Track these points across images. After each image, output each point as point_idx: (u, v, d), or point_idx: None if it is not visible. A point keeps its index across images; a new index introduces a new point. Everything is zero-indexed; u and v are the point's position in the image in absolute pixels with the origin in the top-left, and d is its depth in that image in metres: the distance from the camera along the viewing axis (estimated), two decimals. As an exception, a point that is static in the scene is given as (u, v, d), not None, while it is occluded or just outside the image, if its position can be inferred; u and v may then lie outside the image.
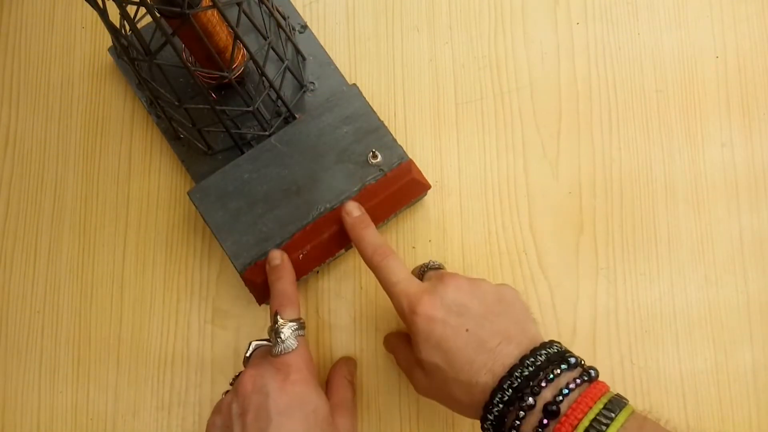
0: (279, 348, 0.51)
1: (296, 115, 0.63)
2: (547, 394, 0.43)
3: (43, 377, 0.64)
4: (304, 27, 0.66)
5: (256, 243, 0.58)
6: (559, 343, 0.47)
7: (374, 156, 0.59)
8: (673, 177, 0.64)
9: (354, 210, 0.57)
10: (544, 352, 0.45)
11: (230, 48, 0.56)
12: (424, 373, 0.49)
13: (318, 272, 0.63)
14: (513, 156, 0.65)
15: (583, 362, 0.45)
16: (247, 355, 0.53)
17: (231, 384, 0.54)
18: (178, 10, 0.46)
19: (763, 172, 0.64)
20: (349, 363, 0.60)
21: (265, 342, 0.54)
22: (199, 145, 0.63)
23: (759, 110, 0.65)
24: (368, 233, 0.55)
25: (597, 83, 0.66)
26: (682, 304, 0.62)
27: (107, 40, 0.70)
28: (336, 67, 0.66)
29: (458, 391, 0.46)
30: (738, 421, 0.60)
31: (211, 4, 0.48)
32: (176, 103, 0.56)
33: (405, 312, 0.49)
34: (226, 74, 0.54)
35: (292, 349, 0.51)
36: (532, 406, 0.42)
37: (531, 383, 0.43)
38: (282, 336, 0.51)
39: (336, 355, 0.62)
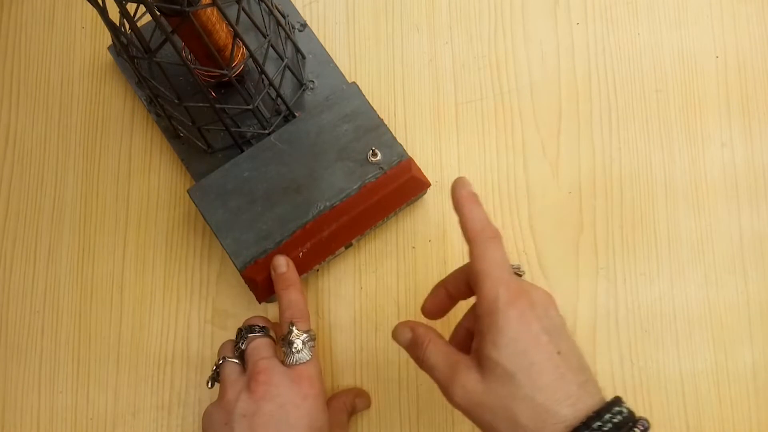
0: (293, 358, 0.51)
1: (296, 114, 0.63)
2: None
3: (43, 377, 0.64)
4: (304, 25, 0.66)
5: (256, 241, 0.58)
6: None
7: (374, 154, 0.59)
8: (673, 177, 0.64)
9: (466, 185, 0.49)
10: (625, 406, 0.42)
11: (230, 46, 0.56)
12: (483, 377, 0.43)
13: (318, 270, 0.63)
14: (513, 156, 0.65)
15: None
16: (242, 347, 0.53)
17: (215, 368, 0.53)
18: (178, 8, 0.46)
19: (763, 172, 0.64)
20: (361, 395, 0.60)
21: (259, 334, 0.53)
22: (199, 143, 0.63)
23: (759, 110, 0.65)
24: (479, 209, 0.48)
25: (597, 83, 0.66)
26: (682, 304, 0.62)
27: (107, 39, 0.70)
28: (336, 65, 0.66)
29: (526, 413, 0.41)
30: (738, 421, 0.59)
31: (210, 2, 0.48)
32: (176, 101, 0.56)
33: (498, 300, 0.43)
34: (225, 72, 0.54)
35: (306, 361, 0.51)
36: None
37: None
38: (296, 347, 0.51)
39: (336, 355, 0.62)
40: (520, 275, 0.50)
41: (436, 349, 0.47)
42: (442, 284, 0.52)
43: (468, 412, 0.43)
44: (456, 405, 0.44)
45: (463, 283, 0.51)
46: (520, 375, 0.41)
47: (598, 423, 0.39)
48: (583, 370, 0.43)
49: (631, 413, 0.41)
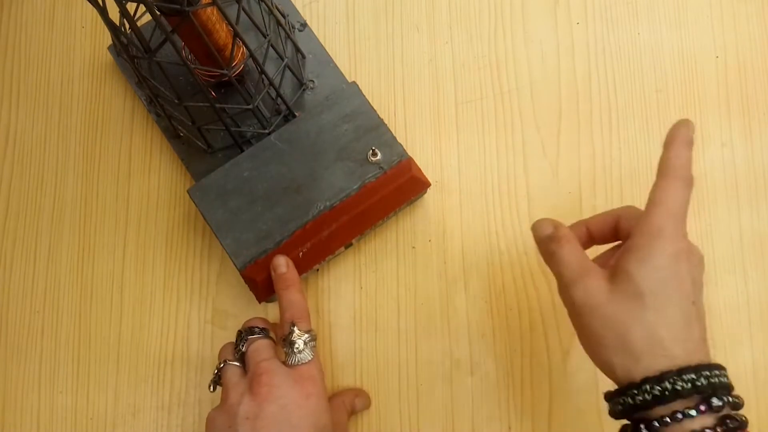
0: (294, 358, 0.51)
1: (296, 113, 0.63)
2: (723, 412, 0.41)
3: (43, 377, 0.64)
4: (304, 25, 0.66)
5: (256, 241, 0.58)
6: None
7: (374, 154, 0.59)
8: (673, 177, 0.64)
9: (689, 128, 0.47)
10: (725, 371, 0.42)
11: (230, 46, 0.56)
12: (611, 287, 0.44)
13: (318, 270, 0.63)
14: (513, 156, 0.65)
15: None
16: (243, 349, 0.53)
17: (216, 371, 0.53)
18: (178, 7, 0.46)
19: (763, 172, 0.64)
20: (360, 395, 0.60)
21: (259, 336, 0.54)
22: (199, 143, 0.63)
23: (759, 110, 0.65)
24: (688, 153, 0.46)
25: (597, 83, 0.66)
26: (682, 303, 0.62)
27: (107, 39, 0.70)
28: (336, 65, 0.66)
29: (640, 334, 0.42)
30: (738, 420, 0.59)
31: (210, 1, 0.48)
32: (176, 101, 0.56)
33: (663, 230, 0.43)
34: (225, 72, 0.54)
35: (307, 361, 0.51)
36: (708, 410, 0.40)
37: (723, 392, 0.41)
38: (297, 347, 0.51)
39: (336, 355, 0.62)
40: None
41: (574, 248, 0.47)
42: (583, 222, 0.52)
43: (579, 314, 0.45)
44: (570, 304, 0.45)
45: (608, 227, 0.51)
46: (650, 300, 0.42)
47: (707, 372, 0.40)
48: (705, 330, 0.44)
49: (731, 384, 0.42)
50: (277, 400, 0.48)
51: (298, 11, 0.67)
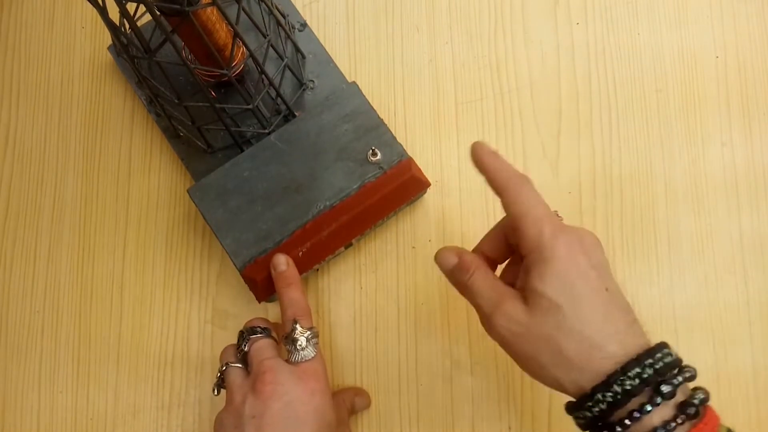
0: (297, 356, 0.51)
1: (296, 113, 0.63)
2: (679, 395, 0.40)
3: (43, 377, 0.64)
4: (304, 25, 0.66)
5: (256, 241, 0.58)
6: None
7: (374, 154, 0.59)
8: (673, 177, 0.64)
9: (484, 145, 0.48)
10: (673, 351, 0.41)
11: (230, 46, 0.56)
12: (529, 309, 0.43)
13: (318, 270, 0.63)
14: (513, 156, 0.65)
15: None
16: (245, 349, 0.53)
17: (219, 374, 0.53)
18: (178, 7, 0.46)
19: (763, 172, 0.64)
20: (360, 394, 0.60)
21: (261, 336, 0.54)
22: (199, 143, 0.63)
23: (759, 110, 0.65)
24: (503, 161, 0.47)
25: (597, 83, 0.66)
26: (682, 304, 0.62)
27: (107, 39, 0.70)
28: (335, 65, 0.66)
29: (572, 345, 0.41)
30: (738, 421, 0.59)
31: (210, 1, 0.48)
32: (176, 101, 0.56)
33: (543, 235, 0.43)
34: (225, 72, 0.54)
35: (311, 357, 0.51)
36: (668, 397, 0.39)
37: (672, 373, 0.40)
38: (300, 344, 0.51)
39: (336, 355, 0.62)
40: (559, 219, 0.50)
41: (483, 276, 0.46)
42: (477, 250, 0.51)
43: (508, 343, 0.44)
44: (497, 334, 0.44)
45: (501, 242, 0.50)
46: (567, 307, 0.41)
47: (650, 360, 0.39)
48: (630, 311, 0.43)
49: (678, 358, 0.41)
50: (281, 398, 0.48)
51: (298, 11, 0.67)
